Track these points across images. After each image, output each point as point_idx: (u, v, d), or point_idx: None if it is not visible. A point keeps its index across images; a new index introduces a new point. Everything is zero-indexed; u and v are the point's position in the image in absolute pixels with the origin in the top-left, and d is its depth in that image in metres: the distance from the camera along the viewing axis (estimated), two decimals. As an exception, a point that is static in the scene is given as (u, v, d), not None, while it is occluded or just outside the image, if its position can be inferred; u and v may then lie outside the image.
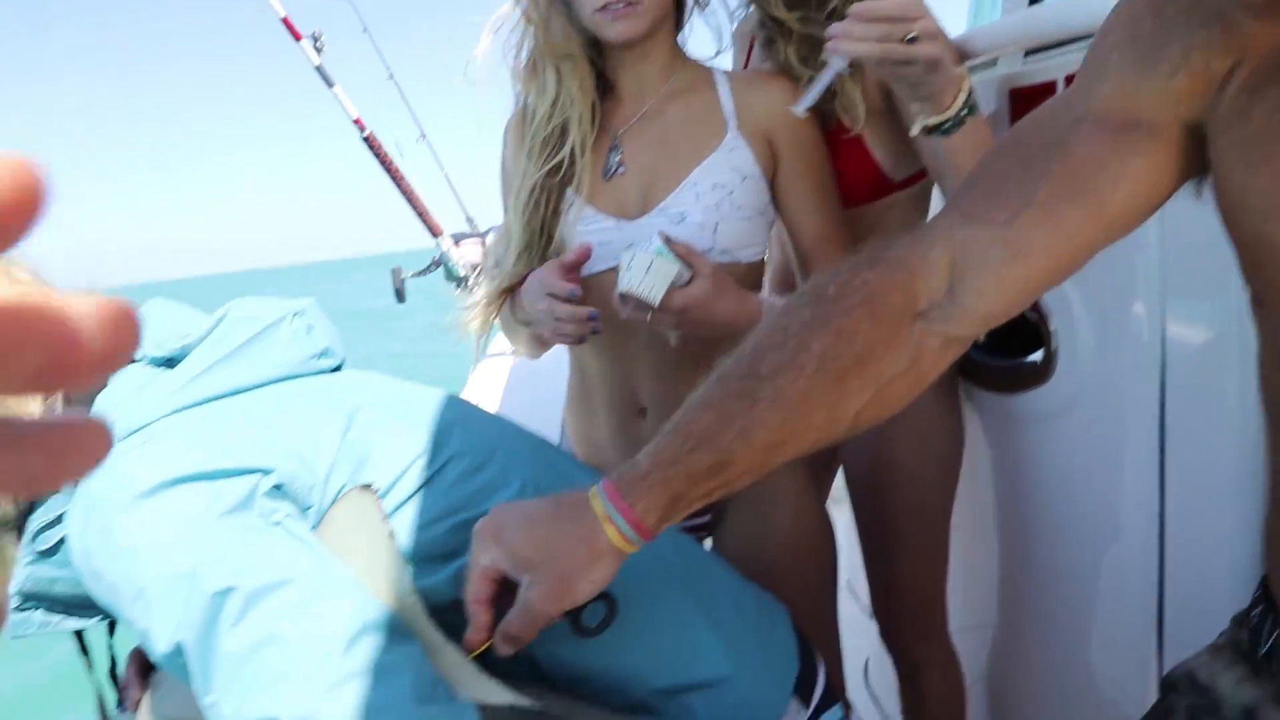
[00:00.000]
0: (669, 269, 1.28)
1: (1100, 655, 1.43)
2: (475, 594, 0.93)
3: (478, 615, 0.93)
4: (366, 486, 0.92)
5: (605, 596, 0.96)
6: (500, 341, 3.49)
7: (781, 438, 0.85)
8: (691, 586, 1.09)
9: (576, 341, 1.36)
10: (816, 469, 1.68)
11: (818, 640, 1.23)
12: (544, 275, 1.36)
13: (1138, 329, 1.26)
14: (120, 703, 1.25)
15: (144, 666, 1.25)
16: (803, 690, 1.10)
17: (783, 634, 1.13)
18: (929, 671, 1.72)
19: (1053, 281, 0.84)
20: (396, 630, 0.86)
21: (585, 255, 1.36)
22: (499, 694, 0.95)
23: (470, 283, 2.96)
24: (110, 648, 1.23)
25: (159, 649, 0.86)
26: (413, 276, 2.96)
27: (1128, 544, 1.33)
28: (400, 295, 2.88)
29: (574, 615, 0.96)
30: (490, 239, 2.82)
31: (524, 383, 3.00)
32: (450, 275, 3.08)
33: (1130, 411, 1.29)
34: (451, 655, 0.94)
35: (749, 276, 1.45)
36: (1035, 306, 1.45)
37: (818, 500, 1.52)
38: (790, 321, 0.86)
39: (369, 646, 0.82)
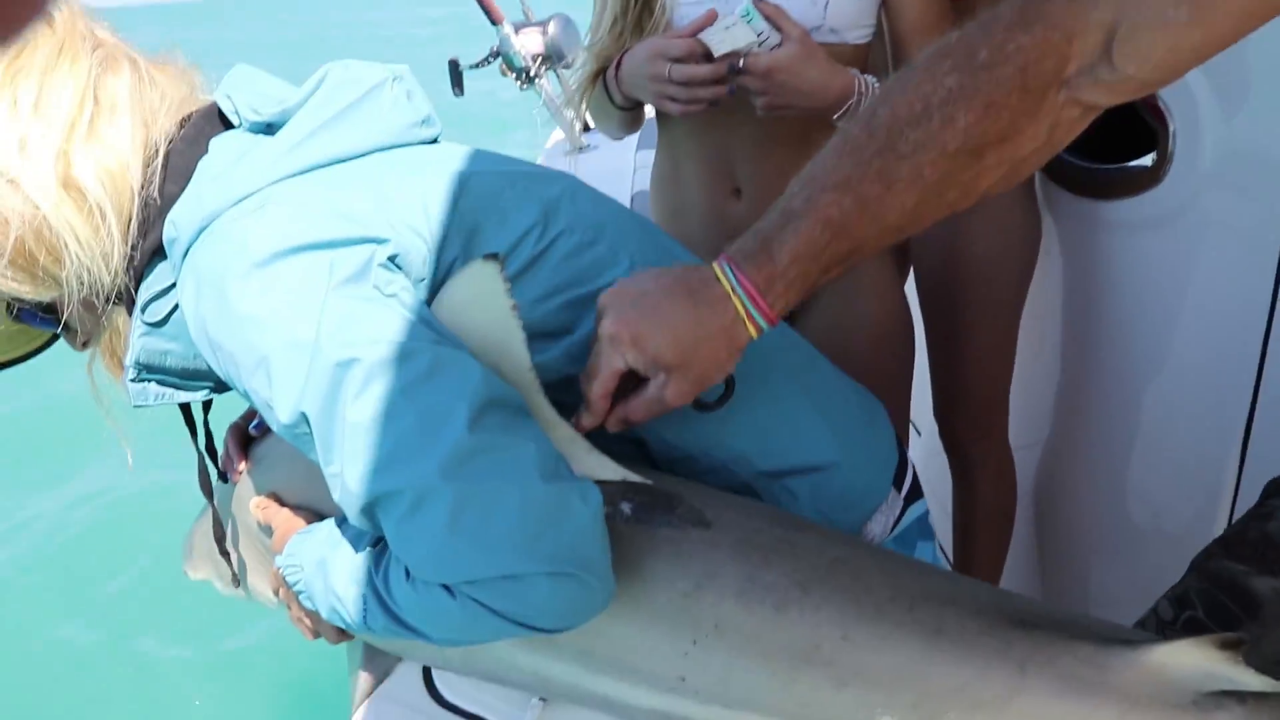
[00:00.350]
0: (753, 30, 1.24)
1: (1168, 480, 1.43)
2: (601, 388, 0.92)
3: (598, 405, 0.93)
4: (493, 256, 0.90)
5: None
6: (557, 135, 3.38)
7: (911, 219, 0.83)
8: (798, 372, 1.09)
9: (711, 103, 1.31)
10: (897, 257, 1.64)
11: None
12: (660, 41, 1.30)
13: (1268, 135, 1.20)
14: (221, 474, 1.27)
15: (244, 440, 1.28)
16: (897, 481, 1.12)
17: (883, 423, 1.15)
18: (985, 471, 1.74)
19: (1222, 47, 0.78)
20: (516, 406, 0.86)
21: (709, 19, 1.29)
22: (610, 470, 0.95)
23: (533, 73, 2.82)
24: (206, 423, 1.25)
25: (282, 418, 0.85)
26: (471, 68, 2.82)
27: (1222, 362, 1.30)
28: (458, 87, 2.75)
29: (696, 399, 0.96)
30: (551, 28, 2.69)
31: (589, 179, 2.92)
32: (511, 65, 2.93)
33: (1246, 224, 1.24)
34: (563, 431, 0.94)
35: (855, 60, 1.39)
36: (1152, 106, 1.38)
37: (902, 290, 1.51)
38: (933, 89, 0.80)
39: (491, 421, 0.81)
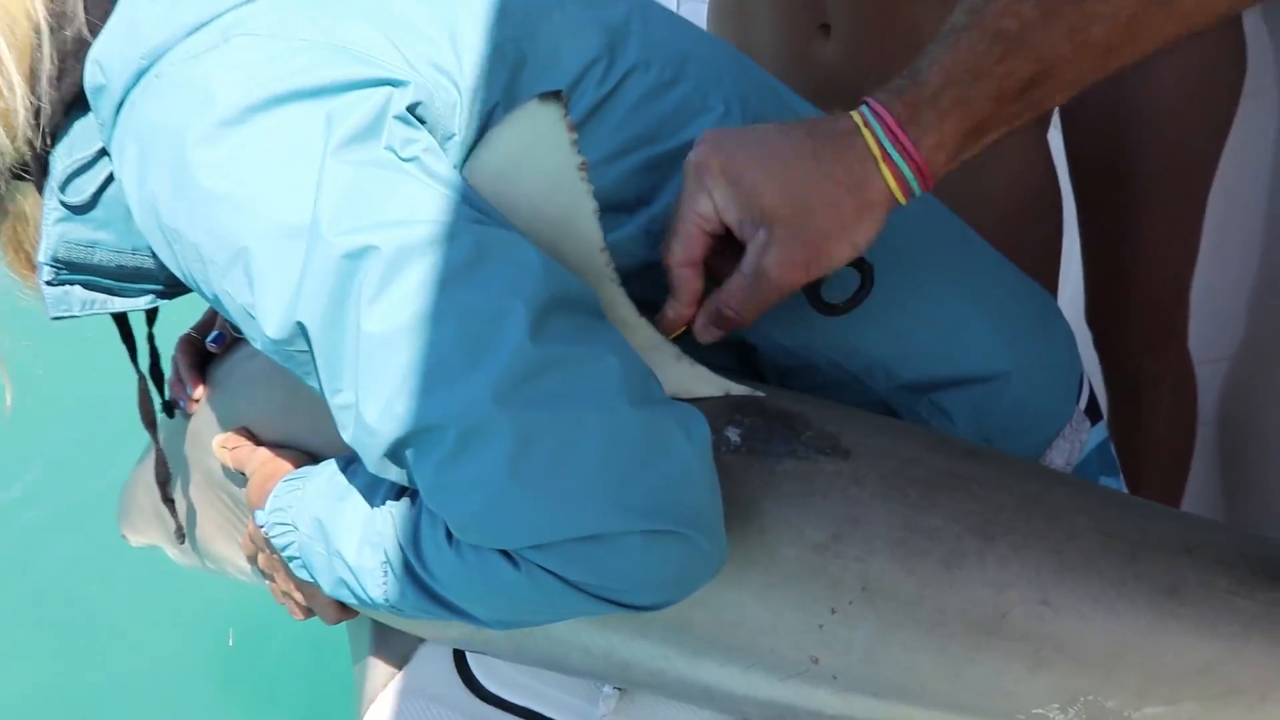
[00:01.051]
0: None
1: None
2: (685, 253, 0.74)
3: (686, 282, 0.75)
4: (554, 95, 0.71)
5: (860, 263, 0.76)
6: None
7: (1125, 38, 0.67)
8: (950, 257, 0.91)
9: None
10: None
11: None
12: None
13: None
14: (168, 406, 1.08)
15: (199, 358, 1.07)
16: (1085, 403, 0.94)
17: (1059, 323, 0.96)
18: (1158, 391, 1.50)
19: None
20: (589, 304, 0.69)
21: None
22: (709, 382, 0.78)
23: None
24: (150, 338, 1.05)
25: (269, 332, 0.69)
26: None
27: None
28: None
29: (813, 288, 0.77)
30: None
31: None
32: None
33: None
34: (645, 335, 0.76)
35: None
36: None
37: (1046, 148, 1.28)
38: None
39: (559, 327, 0.66)
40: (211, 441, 0.99)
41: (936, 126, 0.69)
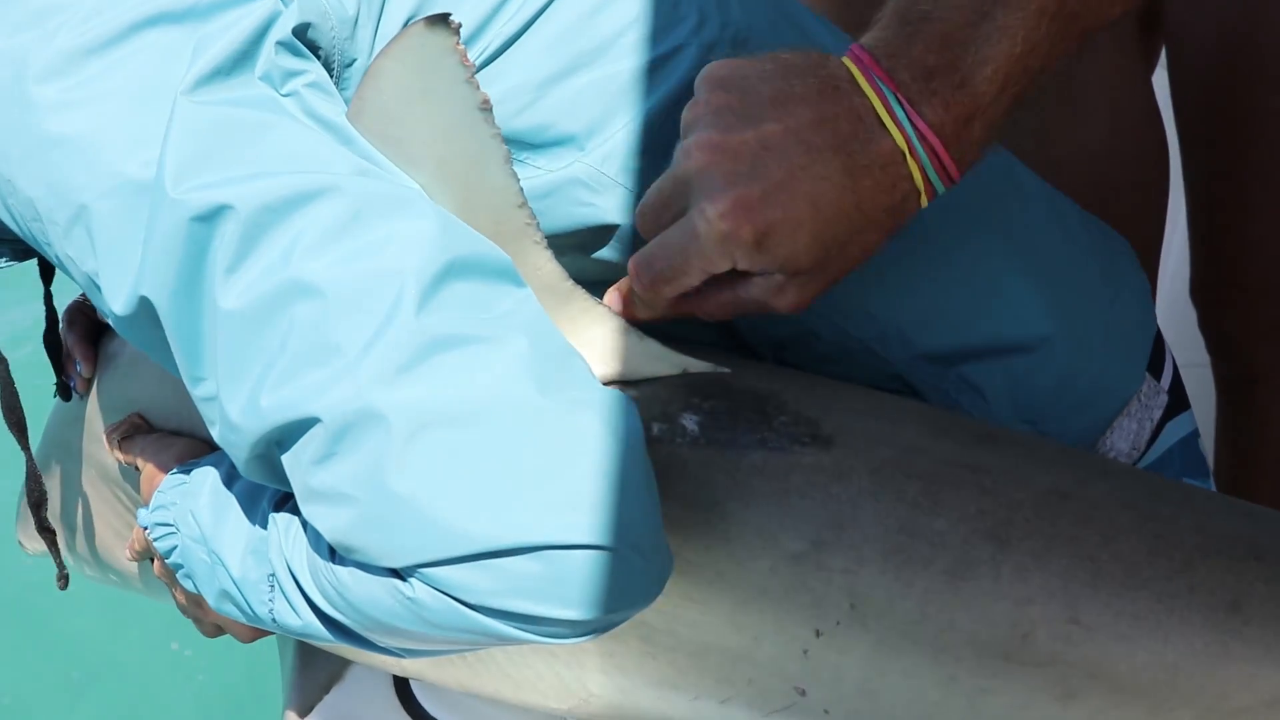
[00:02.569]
0: None
1: None
2: (679, 289, 0.67)
3: (661, 302, 0.68)
4: (442, 18, 0.63)
5: None
6: None
7: None
8: (989, 198, 0.82)
9: None
10: (1141, 36, 1.29)
11: None
12: None
13: None
14: (63, 386, 1.00)
15: (89, 328, 0.99)
16: (1154, 367, 0.84)
17: (1129, 277, 0.87)
18: (1276, 381, 1.36)
19: None
20: (496, 268, 0.62)
21: None
22: (661, 360, 0.70)
23: None
24: (48, 300, 0.97)
25: (115, 307, 0.64)
26: None
27: None
28: None
29: None
30: None
31: None
32: None
33: None
34: (579, 305, 0.69)
35: None
36: None
37: (1149, 88, 1.19)
38: None
39: (455, 296, 0.59)
40: (104, 431, 0.92)
41: (982, 139, 0.65)
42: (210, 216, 0.59)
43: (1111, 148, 1.16)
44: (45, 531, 0.96)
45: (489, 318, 0.59)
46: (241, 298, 0.59)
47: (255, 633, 0.85)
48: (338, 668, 0.93)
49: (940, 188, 0.65)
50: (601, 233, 0.73)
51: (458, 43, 0.62)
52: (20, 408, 0.91)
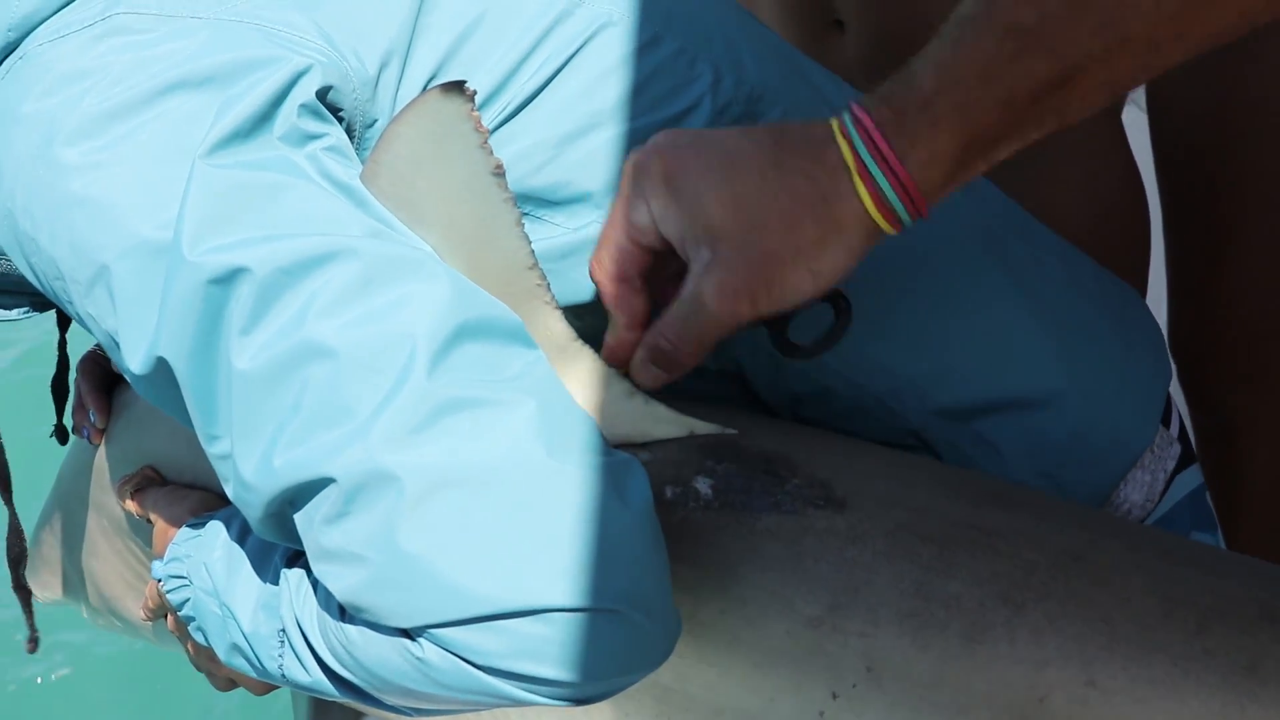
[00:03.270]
0: None
1: None
2: (616, 267, 0.67)
3: (619, 302, 0.68)
4: (457, 85, 0.64)
5: (834, 296, 0.68)
6: None
7: (1174, 27, 0.59)
8: (1000, 252, 0.82)
9: None
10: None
11: None
12: None
13: None
14: (59, 429, 1.01)
15: (103, 378, 0.99)
16: (1165, 417, 0.85)
17: (1142, 327, 0.88)
18: (1256, 434, 1.37)
19: None
20: (509, 331, 0.63)
21: None
22: (669, 423, 0.71)
23: None
24: (62, 346, 0.98)
25: (132, 365, 0.64)
26: None
27: None
28: None
29: (776, 324, 0.68)
30: None
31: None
32: None
33: None
34: (588, 367, 0.69)
35: None
36: None
37: (1127, 148, 1.21)
38: None
39: (466, 359, 0.60)
40: (115, 479, 0.93)
41: (929, 137, 0.61)
42: (226, 279, 0.60)
43: (1091, 203, 1.17)
44: (20, 590, 0.97)
45: (500, 380, 0.60)
46: (256, 359, 0.60)
47: (267, 686, 0.84)
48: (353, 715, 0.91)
49: (881, 180, 0.62)
50: None
51: (473, 109, 0.64)
52: (5, 463, 0.92)
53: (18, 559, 0.97)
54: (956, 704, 0.64)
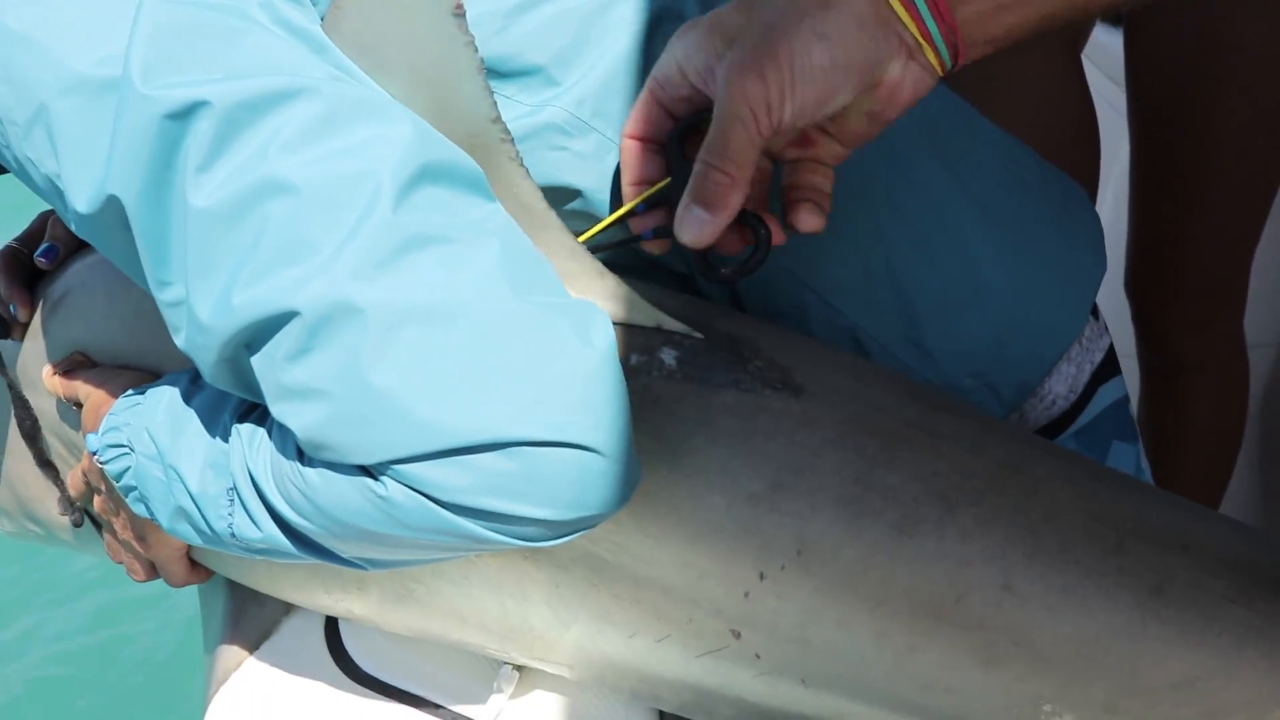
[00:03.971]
0: None
1: None
2: (632, 125, 0.67)
3: (629, 156, 0.68)
4: None
5: (754, 220, 0.68)
6: None
7: None
8: (938, 140, 0.83)
9: None
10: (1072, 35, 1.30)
11: None
12: None
13: None
14: None
15: (25, 273, 0.96)
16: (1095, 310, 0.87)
17: (1083, 216, 0.88)
18: (1204, 376, 1.42)
19: None
20: (471, 179, 0.63)
21: None
22: (638, 310, 0.71)
23: None
24: None
25: (78, 205, 0.63)
26: None
27: None
28: None
29: (703, 254, 0.69)
30: None
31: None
32: None
33: None
34: (556, 237, 0.69)
35: None
36: None
37: (1082, 79, 1.22)
38: None
39: (430, 197, 0.60)
40: (41, 375, 0.90)
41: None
42: (184, 114, 0.59)
43: (1043, 127, 1.16)
44: (47, 466, 0.94)
45: (463, 221, 0.60)
46: (214, 195, 0.59)
47: (188, 575, 0.86)
48: (269, 623, 0.91)
49: (925, 11, 0.61)
50: (572, 188, 0.74)
51: None
52: None
53: (33, 432, 0.94)
54: (878, 594, 0.67)
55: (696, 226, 0.64)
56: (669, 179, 0.67)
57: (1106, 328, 0.89)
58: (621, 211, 0.69)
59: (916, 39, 0.61)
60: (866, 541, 0.67)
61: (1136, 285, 1.43)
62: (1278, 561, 0.68)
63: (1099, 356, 0.86)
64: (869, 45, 0.61)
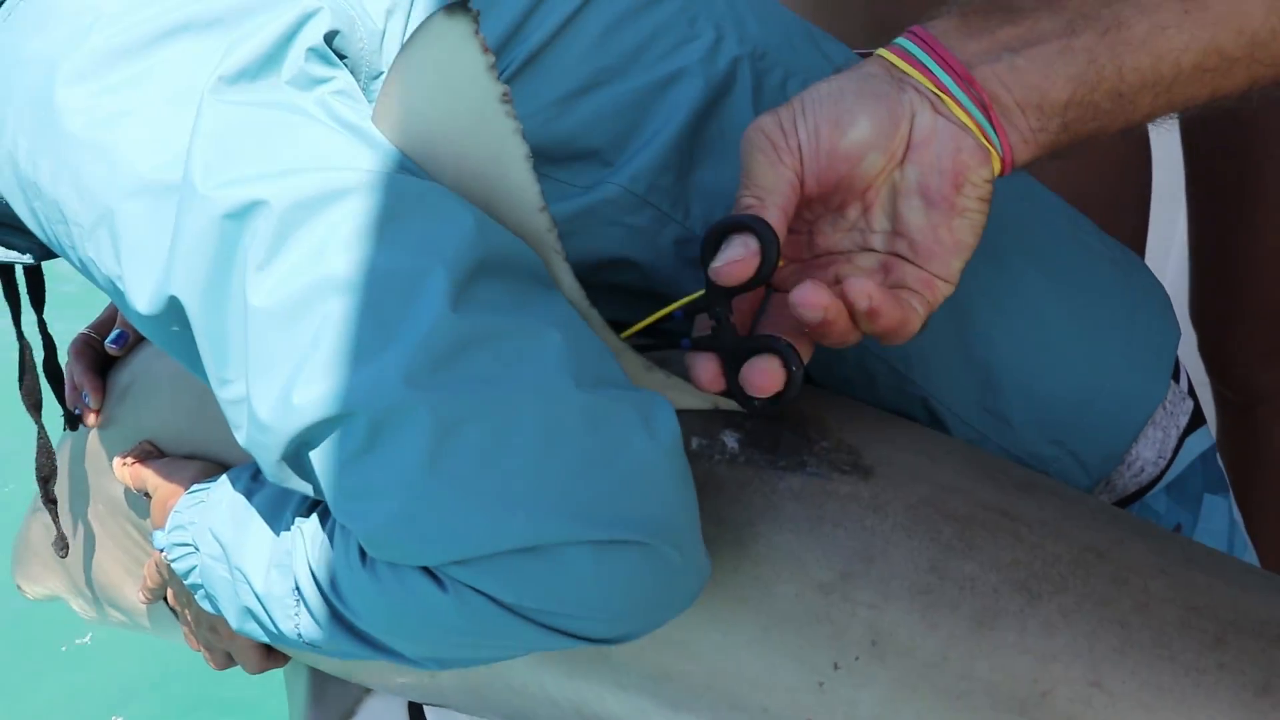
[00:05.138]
0: None
1: None
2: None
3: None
4: (461, 5, 0.62)
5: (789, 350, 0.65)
6: None
7: None
8: (1001, 210, 0.80)
9: None
10: None
11: None
12: None
13: None
14: (69, 415, 1.00)
15: (97, 359, 0.99)
16: (1175, 373, 0.85)
17: (1147, 282, 0.87)
18: (1277, 405, 1.36)
19: None
20: (528, 268, 0.63)
21: None
22: (690, 395, 0.69)
23: None
24: (43, 327, 0.96)
25: (139, 307, 0.64)
26: None
27: None
28: None
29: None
30: None
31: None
32: None
33: None
34: (602, 331, 0.68)
35: None
36: None
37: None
38: None
39: (489, 293, 0.60)
40: (111, 462, 0.92)
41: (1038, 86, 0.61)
42: (242, 213, 0.60)
43: (1093, 167, 1.13)
44: (49, 503, 0.97)
45: (522, 313, 0.60)
46: (273, 294, 0.59)
47: (264, 663, 0.86)
48: (351, 702, 0.92)
49: (959, 93, 0.62)
50: (629, 261, 0.74)
51: (477, 30, 0.62)
52: (38, 389, 0.94)
53: (48, 476, 0.98)
54: (957, 688, 0.64)
55: (727, 252, 0.63)
56: (703, 290, 0.65)
57: (1192, 390, 0.87)
58: (658, 315, 0.68)
59: (930, 88, 0.61)
60: (944, 633, 0.64)
61: (1200, 315, 1.39)
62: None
63: (1184, 420, 0.84)
64: (881, 86, 0.62)
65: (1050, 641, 0.63)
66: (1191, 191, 1.35)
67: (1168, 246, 1.47)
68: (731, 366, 0.65)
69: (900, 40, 0.64)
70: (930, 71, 0.62)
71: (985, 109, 0.62)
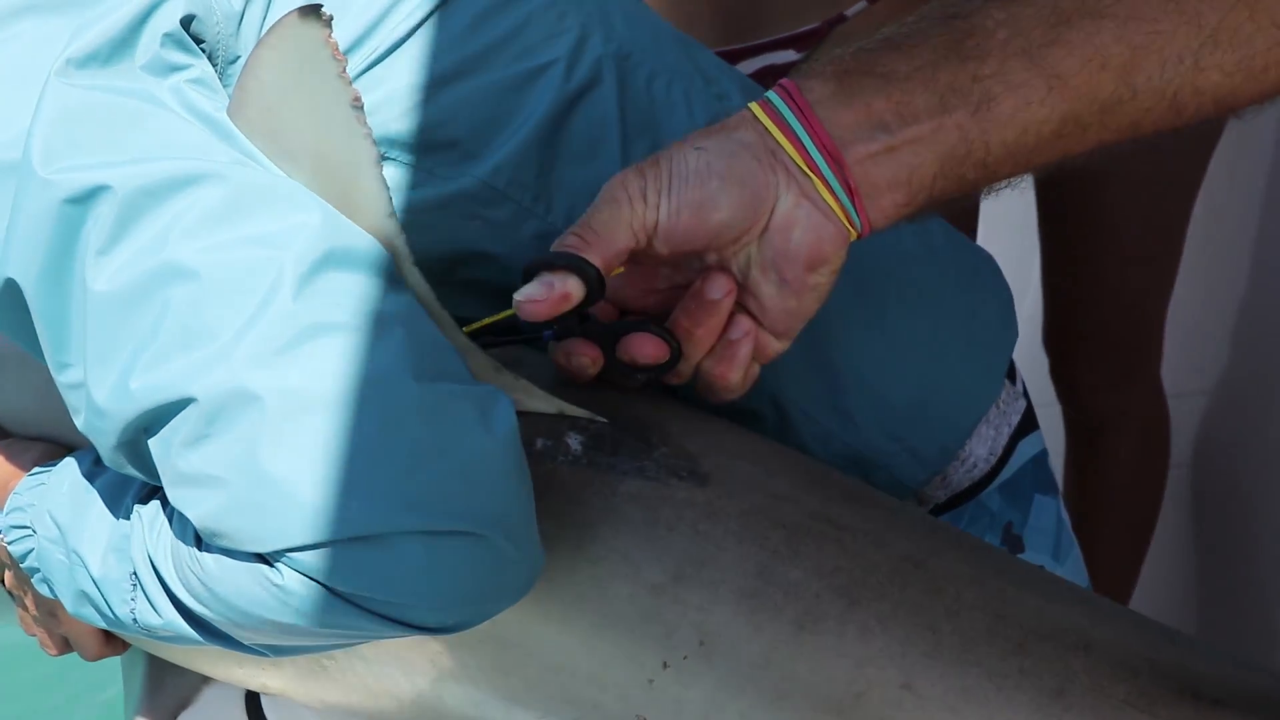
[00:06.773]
0: None
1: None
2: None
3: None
4: (314, 9, 0.63)
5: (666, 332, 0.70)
6: None
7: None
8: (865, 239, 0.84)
9: None
10: None
11: None
12: None
13: None
14: None
15: None
16: (1010, 373, 0.91)
17: (992, 284, 0.91)
18: (1123, 431, 1.45)
19: None
20: (376, 264, 0.64)
21: None
22: (538, 399, 0.72)
23: None
24: None
25: None
26: None
27: None
28: None
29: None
30: None
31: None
32: None
33: None
34: (452, 331, 0.70)
35: None
36: None
37: None
38: None
39: (333, 284, 0.61)
40: None
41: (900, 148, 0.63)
42: (85, 198, 0.60)
43: None
44: None
45: (367, 308, 0.61)
46: (114, 280, 0.59)
47: (102, 649, 0.85)
48: (187, 691, 0.92)
49: (832, 181, 0.64)
50: (487, 255, 0.75)
51: (330, 35, 0.64)
52: None
53: None
54: (779, 689, 0.68)
55: (529, 289, 0.65)
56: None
57: (1025, 390, 0.92)
58: (502, 315, 0.69)
59: (802, 168, 0.63)
60: (768, 636, 0.67)
61: (1051, 341, 1.46)
62: (1178, 662, 0.69)
63: (1016, 419, 0.89)
64: (749, 164, 0.64)
65: (866, 646, 0.67)
66: (1043, 221, 1.40)
67: (1028, 274, 1.54)
68: (607, 348, 0.68)
69: (774, 98, 0.65)
70: (802, 146, 0.64)
71: (852, 194, 0.64)
